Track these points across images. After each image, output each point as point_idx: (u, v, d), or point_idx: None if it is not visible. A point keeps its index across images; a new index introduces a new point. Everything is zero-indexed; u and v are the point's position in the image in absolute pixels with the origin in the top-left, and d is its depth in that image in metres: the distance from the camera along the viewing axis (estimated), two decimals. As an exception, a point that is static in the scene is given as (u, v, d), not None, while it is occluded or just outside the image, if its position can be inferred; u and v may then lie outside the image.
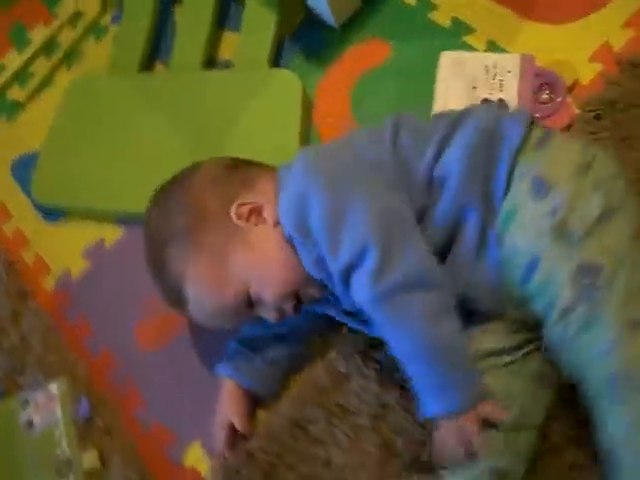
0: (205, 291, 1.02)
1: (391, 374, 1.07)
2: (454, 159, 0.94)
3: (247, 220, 1.03)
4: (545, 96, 1.20)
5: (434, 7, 1.36)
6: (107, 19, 1.60)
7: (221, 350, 1.18)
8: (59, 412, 1.23)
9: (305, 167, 1.02)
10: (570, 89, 1.20)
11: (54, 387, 1.26)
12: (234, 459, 1.11)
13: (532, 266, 0.88)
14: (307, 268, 1.00)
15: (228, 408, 1.12)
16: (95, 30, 1.60)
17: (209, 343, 1.23)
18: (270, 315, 1.03)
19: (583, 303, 0.84)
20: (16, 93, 1.59)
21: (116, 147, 1.40)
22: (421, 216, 0.95)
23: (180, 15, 1.52)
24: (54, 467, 1.20)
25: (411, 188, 0.95)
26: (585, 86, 1.20)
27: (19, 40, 1.65)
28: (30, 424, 1.24)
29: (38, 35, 1.61)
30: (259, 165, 1.09)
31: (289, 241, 1.00)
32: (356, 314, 1.02)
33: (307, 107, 1.34)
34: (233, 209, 1.02)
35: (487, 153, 0.93)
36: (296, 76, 1.34)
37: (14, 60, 1.61)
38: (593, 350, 0.84)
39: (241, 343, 1.15)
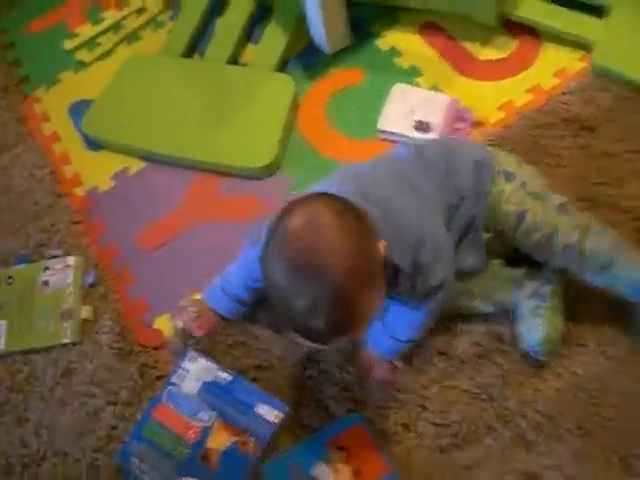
0: (370, 318, 1.13)
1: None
2: (463, 190, 1.32)
3: None
4: (459, 125, 1.66)
5: (400, 55, 1.83)
6: (165, 16, 2.04)
7: (188, 259, 1.62)
8: (71, 277, 1.63)
9: (407, 215, 1.24)
10: (477, 125, 1.67)
11: (71, 260, 1.66)
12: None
13: (520, 217, 1.31)
14: (403, 288, 1.23)
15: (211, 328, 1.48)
16: (154, 22, 2.04)
17: (183, 254, 1.64)
18: None
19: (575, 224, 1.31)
20: (84, 55, 2.00)
21: (152, 105, 1.82)
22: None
23: (220, 24, 1.96)
24: (59, 314, 1.59)
25: (444, 212, 1.31)
26: (489, 125, 1.67)
27: (93, 17, 2.07)
28: (46, 283, 1.63)
29: (110, 17, 2.05)
30: (349, 202, 1.14)
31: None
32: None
33: (295, 106, 1.78)
34: (383, 251, 1.13)
35: (479, 178, 1.33)
36: (292, 80, 1.78)
37: (87, 31, 2.04)
38: None
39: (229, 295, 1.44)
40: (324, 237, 1.05)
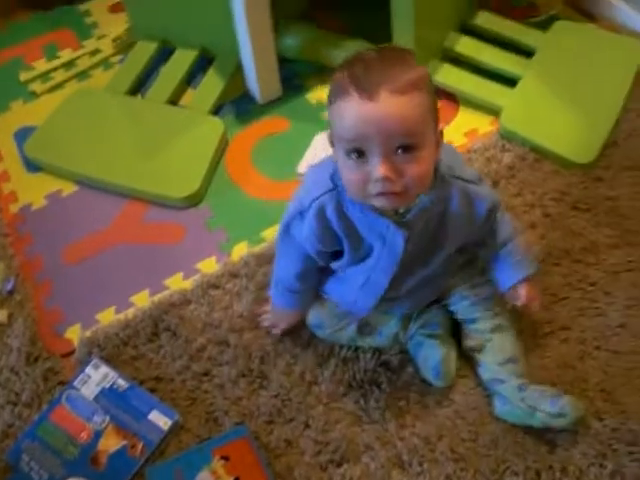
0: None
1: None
2: None
3: None
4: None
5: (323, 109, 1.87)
6: (116, 59, 2.08)
7: (106, 275, 1.62)
8: (-9, 283, 1.62)
9: None
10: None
11: (-7, 268, 1.64)
12: (97, 336, 1.51)
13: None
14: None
15: (291, 322, 1.44)
16: (105, 64, 2.08)
17: (102, 271, 1.64)
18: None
19: None
20: (36, 86, 2.03)
21: (92, 134, 1.84)
22: None
23: (164, 70, 1.99)
24: (-25, 317, 1.56)
25: None
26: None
27: (50, 54, 2.12)
28: (-33, 288, 1.61)
29: (65, 55, 2.09)
30: None
31: None
32: None
33: (223, 146, 1.82)
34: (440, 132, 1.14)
35: None
36: (222, 123, 1.82)
37: (42, 65, 2.07)
38: None
39: (288, 287, 1.36)
40: None
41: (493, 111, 1.80)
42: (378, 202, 1.09)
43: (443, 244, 1.24)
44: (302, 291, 1.37)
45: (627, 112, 1.78)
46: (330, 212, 1.17)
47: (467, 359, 1.40)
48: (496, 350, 1.35)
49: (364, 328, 1.40)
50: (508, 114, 1.74)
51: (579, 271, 1.52)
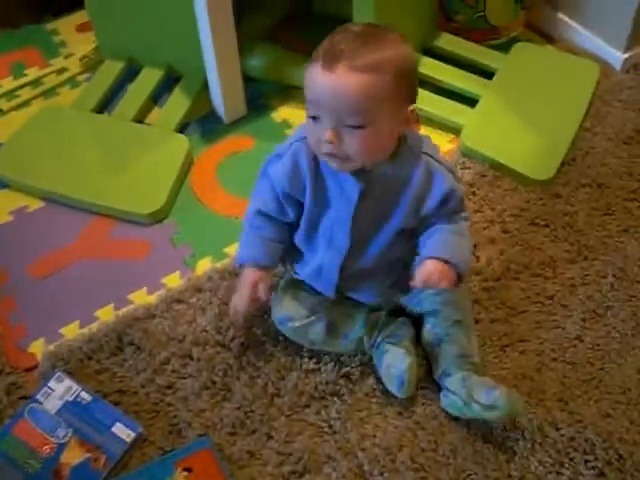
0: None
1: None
2: None
3: None
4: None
5: (290, 127, 1.91)
6: (82, 78, 2.11)
7: (70, 290, 1.62)
8: (-45, 299, 1.63)
9: None
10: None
11: (-42, 284, 1.66)
12: (61, 350, 1.51)
13: None
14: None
15: (255, 281, 1.36)
16: (72, 82, 2.10)
17: (66, 286, 1.65)
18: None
19: None
20: (2, 104, 2.03)
21: (58, 151, 1.85)
22: None
23: (130, 88, 2.01)
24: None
25: None
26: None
27: (17, 72, 2.13)
28: None
29: (32, 73, 2.11)
30: None
31: None
32: None
33: (189, 163, 1.84)
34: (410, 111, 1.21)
35: None
36: (187, 141, 1.85)
37: (9, 83, 2.09)
38: None
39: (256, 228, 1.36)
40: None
41: (453, 129, 1.85)
42: (328, 161, 1.20)
43: (398, 214, 1.28)
44: (268, 239, 1.37)
45: (584, 131, 1.84)
46: (303, 156, 1.25)
47: (427, 371, 1.43)
48: (452, 344, 1.38)
49: (331, 329, 1.42)
50: (468, 132, 1.79)
51: (537, 285, 1.56)
